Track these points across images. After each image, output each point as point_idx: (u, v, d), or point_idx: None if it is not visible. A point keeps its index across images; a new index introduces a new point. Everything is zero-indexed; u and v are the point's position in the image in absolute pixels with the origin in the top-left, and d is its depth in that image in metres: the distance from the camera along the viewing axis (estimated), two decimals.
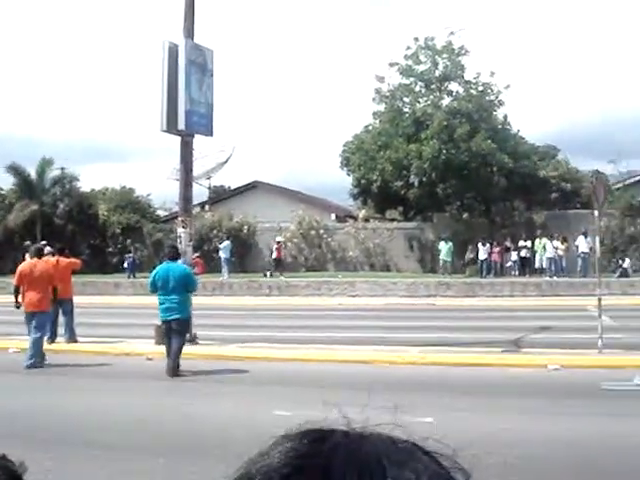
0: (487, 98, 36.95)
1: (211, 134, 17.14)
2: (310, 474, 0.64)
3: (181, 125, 15.68)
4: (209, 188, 44.86)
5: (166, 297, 12.26)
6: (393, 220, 41.53)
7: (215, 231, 37.24)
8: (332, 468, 0.63)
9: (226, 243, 34.85)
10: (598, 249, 14.50)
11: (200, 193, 42.83)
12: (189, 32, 16.34)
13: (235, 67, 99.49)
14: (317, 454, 0.66)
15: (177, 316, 12.24)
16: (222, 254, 34.60)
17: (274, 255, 35.16)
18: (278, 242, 35.24)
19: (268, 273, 34.58)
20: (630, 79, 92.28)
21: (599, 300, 13.19)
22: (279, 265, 34.97)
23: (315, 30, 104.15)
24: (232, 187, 50.86)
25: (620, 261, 31.67)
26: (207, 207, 40.88)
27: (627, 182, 39.55)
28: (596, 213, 13.45)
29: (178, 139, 16.49)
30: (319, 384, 11.46)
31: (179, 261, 13.32)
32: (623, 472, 6.72)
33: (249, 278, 33.42)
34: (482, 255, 32.62)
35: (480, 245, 32.71)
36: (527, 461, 7.05)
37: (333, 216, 41.60)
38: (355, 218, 39.63)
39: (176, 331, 12.31)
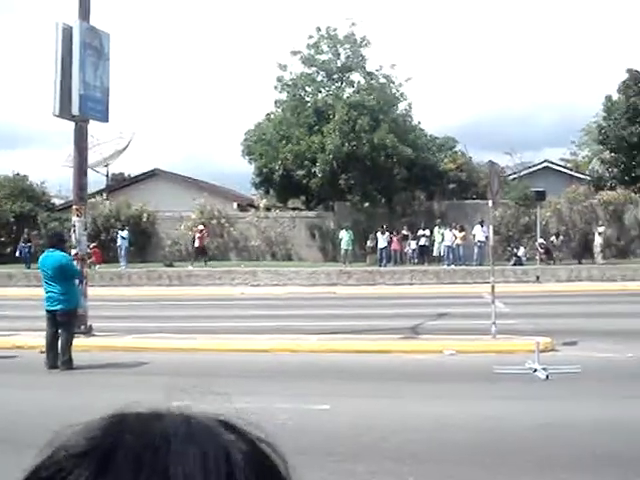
0: (389, 90, 37.36)
1: (107, 120, 16.63)
2: (95, 453, 0.65)
3: (75, 110, 15.13)
4: (107, 176, 43.73)
5: (48, 286, 11.85)
6: (295, 209, 41.60)
7: (113, 220, 36.30)
8: (118, 446, 0.65)
9: (124, 232, 33.98)
10: (492, 238, 14.87)
11: (98, 181, 41.81)
12: (85, 14, 15.78)
13: (135, 52, 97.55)
14: (107, 434, 0.67)
15: (60, 306, 11.77)
16: (120, 243, 33.75)
17: (196, 244, 34.39)
18: (200, 230, 34.47)
19: (192, 264, 33.57)
20: (525, 76, 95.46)
21: (492, 287, 13.54)
22: (201, 253, 34.29)
23: (218, 16, 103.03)
24: (132, 175, 49.83)
25: (515, 250, 32.71)
26: (105, 195, 39.83)
27: (522, 173, 40.94)
28: (490, 203, 13.78)
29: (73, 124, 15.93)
30: (217, 374, 11.33)
31: (73, 251, 12.86)
32: (511, 452, 6.90)
33: (148, 268, 32.78)
34: (381, 244, 33.06)
35: (379, 234, 33.14)
36: (422, 444, 7.15)
37: (235, 205, 41.30)
38: (257, 207, 39.43)
39: (61, 323, 11.83)
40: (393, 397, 9.46)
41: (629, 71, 36.58)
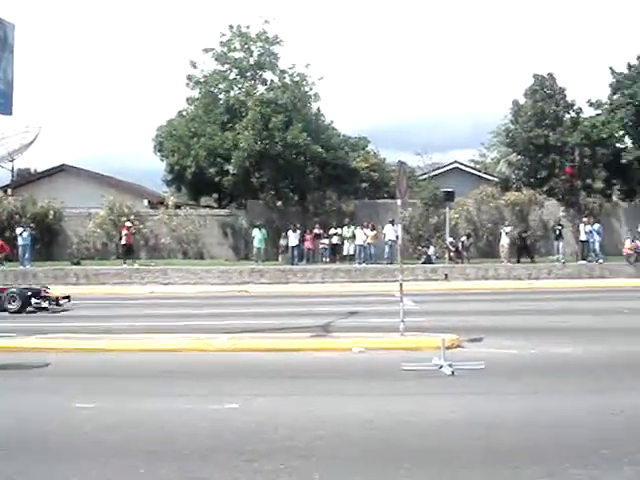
0: (302, 89, 37.43)
1: (10, 113, 16.01)
2: None
3: None
4: (12, 171, 42.32)
5: None
6: (207, 207, 41.21)
7: (18, 217, 35.04)
8: None
9: (25, 233, 32.27)
10: (400, 237, 15.11)
11: (3, 176, 40.45)
12: None
13: (44, 44, 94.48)
14: None
15: None
16: (21, 241, 32.22)
17: (123, 241, 33.45)
18: (128, 227, 33.57)
19: (124, 262, 32.56)
20: (437, 79, 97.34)
21: (401, 286, 13.75)
22: (129, 252, 33.41)
23: (131, 9, 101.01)
24: (38, 170, 48.34)
25: (425, 248, 33.32)
26: (10, 191, 38.49)
27: (432, 174, 41.74)
28: (399, 202, 13.99)
29: None
30: (124, 374, 11.15)
31: None
32: (416, 448, 7.02)
33: (55, 266, 31.87)
34: (293, 242, 33.09)
35: (290, 232, 33.17)
36: (331, 442, 7.19)
37: (146, 202, 40.57)
38: (167, 205, 38.84)
39: None
40: (302, 395, 9.49)
41: (535, 76, 37.77)
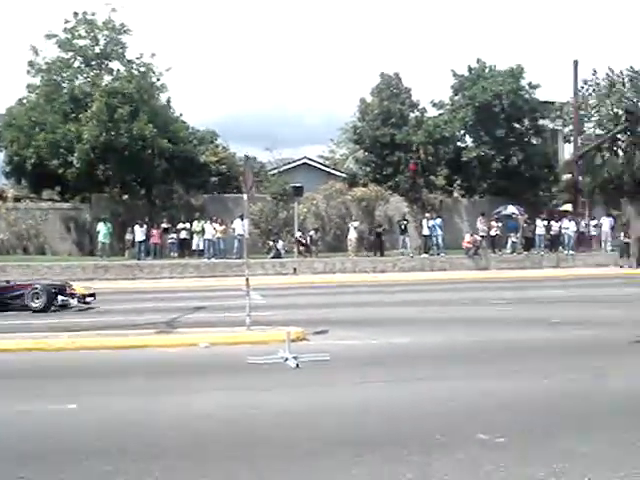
0: (149, 80, 36.57)
1: None
2: None
3: None
4: None
5: None
6: (50, 200, 39.48)
7: None
8: None
9: None
10: (246, 231, 15.04)
11: None
12: None
13: None
14: None
15: None
16: None
17: None
18: None
19: None
20: (291, 75, 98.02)
21: (247, 280, 13.71)
22: None
23: None
24: None
25: (274, 243, 33.46)
26: None
27: (282, 169, 41.98)
28: (245, 196, 13.94)
29: None
30: None
31: None
32: (262, 441, 6.99)
33: None
34: (139, 237, 32.33)
35: (137, 227, 32.39)
36: (175, 440, 7.03)
37: None
38: (4, 198, 36.84)
39: None
40: (146, 393, 9.23)
41: (382, 75, 38.81)
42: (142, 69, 36.55)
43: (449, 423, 7.56)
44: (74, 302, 19.31)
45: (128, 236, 33.02)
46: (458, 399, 8.59)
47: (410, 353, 11.84)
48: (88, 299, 19.78)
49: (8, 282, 20.44)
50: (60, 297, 19.04)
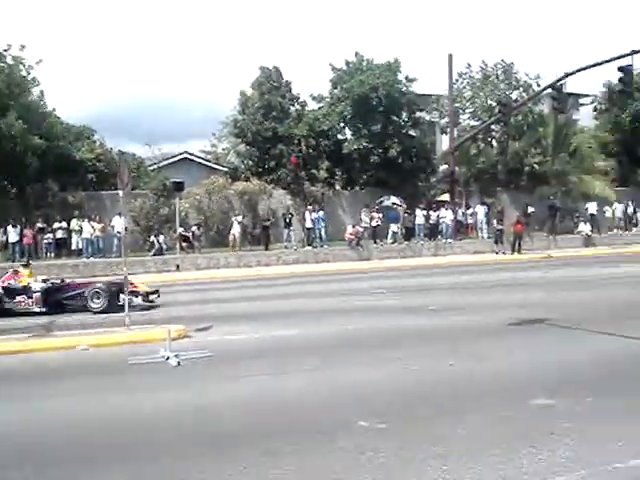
0: (18, 73, 34.97)
1: None
2: None
3: None
4: None
5: None
6: None
7: None
8: None
9: None
10: (123, 229, 14.70)
11: None
12: None
13: None
14: None
15: None
16: None
17: None
18: None
19: None
20: (172, 68, 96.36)
21: (125, 278, 13.42)
22: None
23: None
24: None
25: (156, 239, 32.81)
26: None
27: (162, 164, 41.22)
28: (121, 193, 13.63)
29: None
30: None
31: None
32: (145, 441, 6.86)
33: None
34: (13, 238, 31.00)
35: (10, 227, 31.03)
36: (53, 446, 6.85)
37: None
38: None
39: None
40: (23, 399, 8.88)
41: (262, 68, 38.71)
42: (10, 62, 34.89)
43: (332, 412, 7.65)
44: (138, 301, 17.39)
45: (0, 237, 31.58)
46: (341, 388, 8.69)
47: (294, 345, 11.89)
48: (151, 297, 18.05)
49: (63, 280, 19.18)
50: (122, 296, 16.82)
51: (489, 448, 6.36)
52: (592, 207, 39.26)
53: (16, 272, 18.57)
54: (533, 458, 6.09)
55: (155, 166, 40.09)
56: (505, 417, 7.26)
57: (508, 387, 8.52)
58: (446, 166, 40.46)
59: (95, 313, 16.82)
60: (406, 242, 35.02)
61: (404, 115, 39.91)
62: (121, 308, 15.83)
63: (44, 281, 18.39)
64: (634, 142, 45.60)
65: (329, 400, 8.20)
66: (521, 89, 41.77)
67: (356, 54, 39.75)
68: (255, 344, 12.11)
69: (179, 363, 10.33)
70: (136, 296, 17.27)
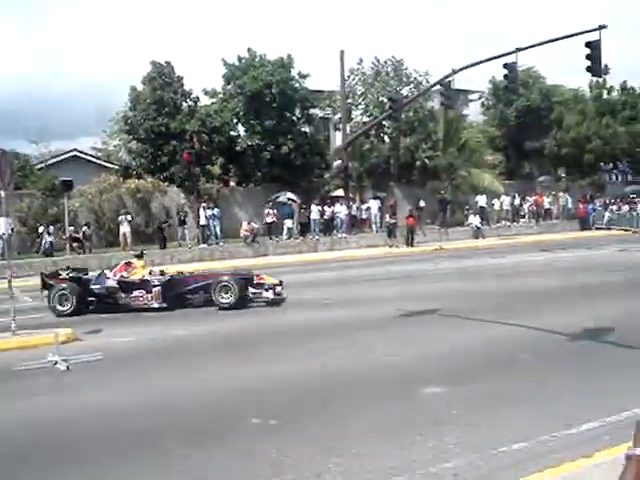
0: None
1: None
2: None
3: None
4: None
5: None
6: None
7: None
8: None
9: None
10: (8, 230, 14.05)
11: None
12: None
13: None
14: None
15: None
16: None
17: None
18: None
19: None
20: (57, 61, 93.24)
21: (9, 282, 12.92)
22: None
23: None
24: None
25: (43, 240, 31.67)
26: None
27: (49, 162, 39.90)
28: (3, 193, 13.08)
29: None
30: None
31: None
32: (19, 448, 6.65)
33: None
34: None
35: None
36: None
37: None
38: None
39: None
40: None
41: (153, 63, 37.98)
42: None
43: (224, 411, 7.60)
44: (268, 294, 16.00)
45: None
46: (232, 387, 8.65)
47: (187, 344, 11.76)
48: (278, 289, 16.27)
49: (181, 273, 17.47)
50: (251, 289, 16.07)
51: (379, 438, 6.48)
52: (481, 200, 40.51)
53: (129, 264, 16.80)
54: (422, 446, 6.24)
55: (43, 165, 38.79)
56: (395, 407, 7.41)
57: (398, 377, 8.70)
58: (340, 162, 40.82)
59: (221, 309, 15.46)
60: (302, 237, 35.17)
61: (297, 111, 40.03)
62: (249, 302, 15.75)
63: (162, 273, 16.78)
64: (520, 136, 47.42)
65: (220, 398, 8.16)
66: (411, 85, 42.61)
67: (249, 50, 39.56)
68: (148, 345, 11.91)
69: (68, 367, 10.03)
70: (266, 289, 16.10)
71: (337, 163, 42.02)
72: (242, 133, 39.51)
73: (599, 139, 46.95)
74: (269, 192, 36.76)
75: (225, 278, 15.97)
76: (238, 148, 38.18)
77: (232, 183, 40.46)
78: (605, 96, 50.44)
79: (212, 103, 39.46)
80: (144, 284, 16.01)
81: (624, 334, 10.47)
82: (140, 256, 17.40)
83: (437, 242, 34.37)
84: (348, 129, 39.53)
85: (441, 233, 37.00)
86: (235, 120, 39.39)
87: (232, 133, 39.46)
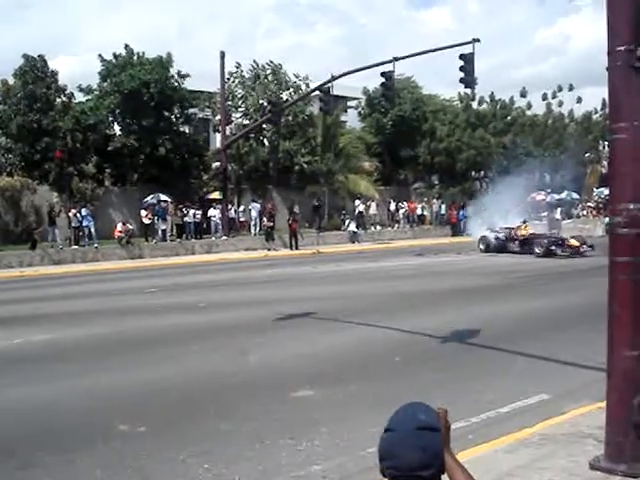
0: None
1: None
2: None
3: None
4: None
5: None
6: None
7: None
8: None
9: None
10: None
11: None
12: None
13: None
14: None
15: None
16: None
17: None
18: None
19: None
20: None
21: None
22: None
23: None
24: None
25: None
26: None
27: None
28: None
29: None
30: None
31: None
32: None
33: None
34: None
35: None
36: None
37: None
38: None
39: None
40: None
41: (25, 57, 36.45)
42: None
43: (89, 419, 7.39)
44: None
45: None
46: (98, 394, 8.40)
47: (52, 350, 11.31)
48: (582, 248, 25.19)
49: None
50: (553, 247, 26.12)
51: (251, 442, 6.47)
52: (358, 205, 41.22)
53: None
54: (292, 449, 6.28)
55: None
56: (267, 410, 7.42)
57: (271, 381, 8.71)
58: (218, 164, 40.53)
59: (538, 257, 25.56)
60: (178, 240, 34.68)
61: (176, 111, 39.50)
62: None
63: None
64: (395, 144, 48.56)
65: (86, 406, 7.90)
66: (291, 90, 42.82)
67: (126, 47, 38.63)
68: (14, 350, 11.39)
69: None
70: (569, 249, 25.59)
71: (216, 165, 41.68)
72: (118, 132, 38.58)
73: (471, 149, 48.68)
74: (145, 193, 36.04)
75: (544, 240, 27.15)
76: (113, 147, 37.23)
77: (107, 183, 39.36)
78: (475, 107, 52.24)
79: (87, 100, 38.31)
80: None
81: (489, 335, 10.93)
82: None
83: (314, 246, 34.71)
84: (228, 131, 39.33)
85: (318, 237, 37.39)
86: (111, 118, 38.43)
87: (108, 132, 38.45)
